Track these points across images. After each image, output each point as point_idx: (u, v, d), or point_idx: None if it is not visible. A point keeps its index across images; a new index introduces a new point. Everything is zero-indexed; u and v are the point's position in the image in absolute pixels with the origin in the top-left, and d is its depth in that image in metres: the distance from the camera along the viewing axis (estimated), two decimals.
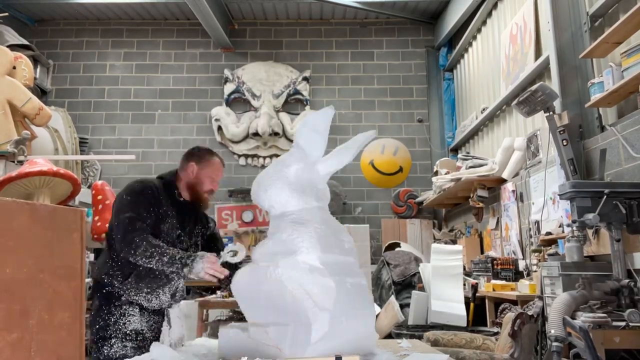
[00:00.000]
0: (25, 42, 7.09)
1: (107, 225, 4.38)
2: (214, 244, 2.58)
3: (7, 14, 6.91)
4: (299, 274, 1.60)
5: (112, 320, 2.19)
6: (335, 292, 1.58)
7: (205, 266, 2.00)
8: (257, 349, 1.58)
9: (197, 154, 2.46)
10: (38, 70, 7.36)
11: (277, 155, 7.68)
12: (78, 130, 7.48)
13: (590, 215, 2.82)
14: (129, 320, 2.22)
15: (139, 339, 2.23)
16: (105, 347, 2.16)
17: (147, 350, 1.96)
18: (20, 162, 4.73)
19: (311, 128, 1.82)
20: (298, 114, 7.77)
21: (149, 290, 2.25)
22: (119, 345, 2.16)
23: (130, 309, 2.23)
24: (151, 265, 2.11)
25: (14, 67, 5.50)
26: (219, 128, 7.71)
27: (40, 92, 7.38)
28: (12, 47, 6.30)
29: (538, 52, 4.79)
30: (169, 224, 2.30)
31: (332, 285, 1.58)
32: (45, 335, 1.46)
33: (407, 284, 5.44)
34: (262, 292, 1.64)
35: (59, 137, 6.59)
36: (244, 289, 1.73)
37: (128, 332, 2.20)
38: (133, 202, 2.21)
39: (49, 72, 7.83)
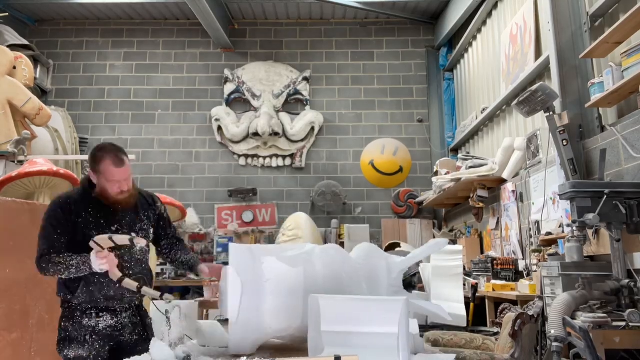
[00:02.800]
0: (25, 42, 7.10)
1: None
2: (163, 224, 2.57)
3: (7, 14, 6.92)
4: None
5: (82, 330, 2.25)
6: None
7: (98, 262, 2.13)
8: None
9: (92, 159, 2.27)
10: (38, 70, 7.36)
11: (277, 156, 7.69)
12: (78, 130, 7.49)
13: (590, 215, 2.82)
14: (96, 323, 2.27)
15: (109, 338, 2.28)
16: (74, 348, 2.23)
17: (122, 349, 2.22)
18: (21, 162, 4.73)
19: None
20: (298, 114, 7.77)
21: (100, 293, 2.27)
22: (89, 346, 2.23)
23: (94, 314, 2.28)
24: (71, 276, 2.19)
25: (14, 67, 5.50)
26: (219, 128, 7.71)
27: (41, 92, 7.38)
28: (13, 47, 6.31)
29: (538, 52, 4.79)
30: (95, 228, 2.27)
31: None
32: (45, 335, 1.47)
33: (407, 284, 5.43)
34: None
35: (59, 137, 6.59)
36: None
37: (98, 332, 2.26)
38: (45, 226, 2.25)
39: (49, 72, 7.84)
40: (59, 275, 2.20)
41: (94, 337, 2.23)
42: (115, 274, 2.19)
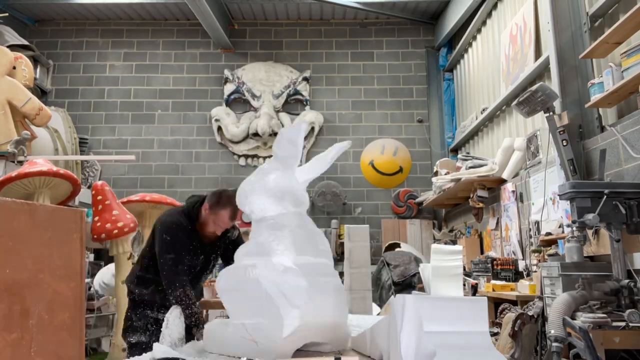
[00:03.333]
0: (25, 42, 7.10)
1: (107, 225, 4.39)
2: (233, 249, 2.73)
3: (7, 14, 6.92)
4: (274, 274, 1.73)
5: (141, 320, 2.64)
6: (306, 291, 1.70)
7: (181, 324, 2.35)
8: (237, 342, 1.72)
9: (216, 200, 2.60)
10: (38, 70, 7.36)
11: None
12: (78, 131, 7.49)
13: (590, 216, 2.82)
14: (156, 315, 2.63)
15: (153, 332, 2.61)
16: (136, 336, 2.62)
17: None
18: (20, 162, 4.73)
19: (287, 140, 1.98)
20: (298, 114, 7.77)
21: (162, 294, 2.62)
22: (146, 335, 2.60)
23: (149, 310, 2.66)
24: (180, 309, 2.43)
25: (14, 67, 5.51)
26: (219, 128, 7.71)
27: (40, 92, 7.38)
28: (12, 47, 6.31)
29: (538, 52, 4.79)
30: (194, 257, 2.66)
31: (304, 285, 1.71)
32: (45, 335, 1.46)
33: (407, 284, 5.44)
34: (241, 290, 1.78)
35: (59, 137, 6.59)
36: (226, 288, 1.86)
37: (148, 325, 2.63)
38: (172, 242, 2.55)
39: (49, 72, 7.84)
40: (173, 301, 2.43)
41: (154, 326, 2.61)
42: None
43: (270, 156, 7.63)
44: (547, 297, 3.11)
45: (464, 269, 5.16)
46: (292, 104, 7.86)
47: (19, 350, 1.34)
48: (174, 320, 2.37)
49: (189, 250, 2.61)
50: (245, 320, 1.72)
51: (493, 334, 3.59)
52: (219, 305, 4.76)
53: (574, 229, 3.08)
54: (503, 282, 4.34)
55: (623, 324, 2.53)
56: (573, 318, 2.58)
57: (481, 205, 5.65)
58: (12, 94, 5.24)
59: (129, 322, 2.67)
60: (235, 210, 2.57)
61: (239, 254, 1.90)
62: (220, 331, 1.85)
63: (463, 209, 6.59)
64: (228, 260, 2.77)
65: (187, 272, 2.59)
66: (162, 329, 2.32)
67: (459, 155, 6.43)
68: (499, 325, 3.74)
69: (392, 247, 6.79)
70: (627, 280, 2.75)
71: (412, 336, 1.42)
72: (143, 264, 2.73)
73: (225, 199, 2.60)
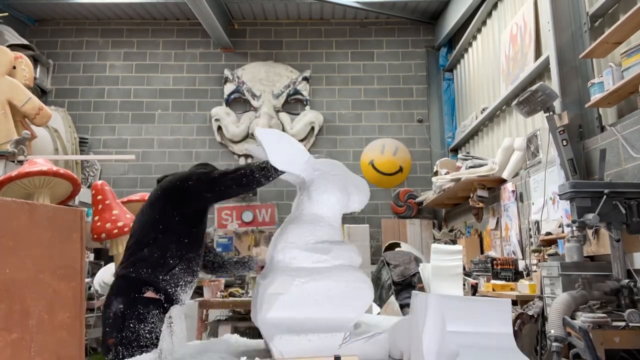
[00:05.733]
0: (25, 42, 7.10)
1: (107, 224, 4.39)
2: None
3: (7, 14, 6.92)
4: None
5: (141, 327, 2.26)
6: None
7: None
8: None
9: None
10: (38, 70, 7.36)
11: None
12: (78, 130, 7.49)
13: (590, 216, 2.82)
14: (156, 326, 2.28)
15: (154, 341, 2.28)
16: (136, 352, 2.21)
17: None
18: (20, 162, 4.73)
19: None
20: (298, 114, 7.77)
21: (185, 283, 2.37)
22: (147, 350, 2.22)
23: (156, 314, 2.29)
24: (263, 181, 2.21)
25: (14, 67, 5.51)
26: (219, 128, 7.71)
27: (40, 92, 7.38)
28: (12, 47, 6.31)
29: (538, 52, 4.79)
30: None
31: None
32: (45, 335, 1.46)
33: (407, 284, 5.44)
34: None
35: (59, 137, 6.59)
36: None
37: (155, 337, 2.27)
38: (204, 170, 2.43)
39: (49, 72, 7.84)
40: (261, 177, 2.19)
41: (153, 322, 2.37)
42: None
43: None
44: (547, 297, 3.11)
45: (464, 269, 5.16)
46: (292, 103, 7.85)
47: (19, 350, 1.34)
48: (174, 319, 2.35)
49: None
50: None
51: None
52: (219, 305, 4.77)
53: (574, 228, 3.08)
54: (503, 282, 4.34)
55: (623, 323, 2.53)
56: (573, 318, 2.58)
57: (481, 205, 5.65)
58: (12, 94, 5.24)
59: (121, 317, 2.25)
60: None
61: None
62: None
63: (463, 209, 6.59)
64: None
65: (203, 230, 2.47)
66: (163, 329, 2.31)
67: (459, 155, 6.42)
68: None
69: (392, 246, 6.78)
70: (627, 280, 2.75)
71: (434, 335, 1.42)
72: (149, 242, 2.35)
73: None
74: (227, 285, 5.26)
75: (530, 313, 3.22)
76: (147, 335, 2.27)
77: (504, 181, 5.12)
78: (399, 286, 5.47)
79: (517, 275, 4.43)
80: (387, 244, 6.98)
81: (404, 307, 4.98)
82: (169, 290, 2.33)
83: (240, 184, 2.23)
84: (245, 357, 1.50)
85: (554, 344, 2.47)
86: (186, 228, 2.39)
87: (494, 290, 4.25)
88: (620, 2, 3.58)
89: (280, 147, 2.04)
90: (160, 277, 2.31)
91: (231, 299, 4.74)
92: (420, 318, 1.45)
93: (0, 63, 5.29)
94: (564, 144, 3.50)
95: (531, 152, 4.51)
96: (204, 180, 2.32)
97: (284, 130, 7.64)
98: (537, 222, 4.26)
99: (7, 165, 4.68)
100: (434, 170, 6.67)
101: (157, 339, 2.27)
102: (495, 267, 4.59)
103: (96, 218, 4.43)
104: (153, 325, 2.28)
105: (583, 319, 2.55)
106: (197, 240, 2.43)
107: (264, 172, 2.18)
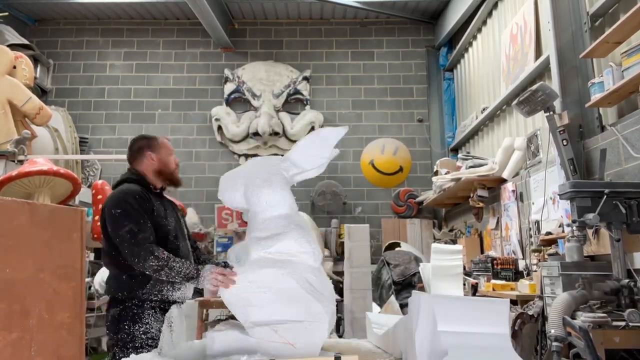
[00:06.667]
0: (25, 41, 7.10)
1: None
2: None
3: (7, 13, 6.92)
4: (307, 273, 1.72)
5: (135, 328, 2.25)
6: (331, 288, 1.76)
7: (211, 277, 1.95)
8: (265, 348, 1.64)
9: (146, 144, 2.51)
10: (38, 69, 7.36)
11: (277, 155, 7.68)
12: (78, 130, 7.49)
13: (590, 215, 2.82)
14: (151, 326, 2.27)
15: (157, 343, 2.28)
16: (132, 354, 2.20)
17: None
18: (21, 162, 4.73)
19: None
20: (298, 114, 7.77)
21: (172, 284, 2.31)
22: (143, 351, 2.19)
23: (152, 314, 2.28)
24: (161, 278, 2.15)
25: (15, 67, 5.51)
26: (219, 128, 7.71)
27: (41, 92, 7.38)
28: (13, 46, 6.31)
29: (538, 52, 4.79)
30: (164, 217, 2.38)
31: (329, 282, 1.74)
32: (45, 335, 1.47)
33: (407, 284, 5.44)
34: (263, 290, 1.71)
35: (59, 137, 6.59)
36: (237, 291, 1.78)
37: (150, 337, 2.26)
38: (125, 214, 2.23)
39: (49, 71, 7.84)
40: (153, 273, 2.12)
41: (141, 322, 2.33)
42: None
43: (273, 154, 7.66)
44: (547, 296, 3.11)
45: (464, 269, 5.16)
46: (293, 103, 7.85)
47: (19, 350, 1.34)
48: (174, 319, 2.36)
49: (149, 216, 2.29)
50: (274, 322, 1.66)
51: None
52: (219, 305, 4.76)
53: (574, 228, 3.08)
54: (503, 282, 4.34)
55: (623, 323, 2.53)
56: (573, 318, 2.58)
57: (481, 204, 5.65)
58: (13, 94, 5.24)
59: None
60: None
61: (250, 252, 1.81)
62: (236, 339, 1.71)
63: (463, 209, 6.58)
64: None
65: (156, 241, 2.24)
66: (162, 329, 2.31)
67: (459, 155, 6.42)
68: None
69: (392, 246, 6.79)
70: (627, 280, 2.75)
71: (426, 335, 1.43)
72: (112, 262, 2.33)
73: (148, 136, 2.58)
74: None
75: (530, 313, 3.22)
76: (142, 336, 2.26)
77: (504, 181, 5.12)
78: (399, 286, 5.48)
79: (517, 275, 4.43)
80: (387, 244, 6.99)
81: (404, 306, 4.98)
82: (155, 299, 2.29)
83: (151, 273, 2.13)
84: (245, 357, 1.50)
85: (554, 343, 2.47)
86: None
87: (494, 290, 4.25)
88: (621, 1, 3.58)
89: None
90: (139, 293, 2.27)
91: None
92: (413, 318, 1.46)
93: (1, 63, 5.29)
94: (564, 143, 3.50)
95: (531, 151, 4.51)
96: (128, 243, 2.16)
97: (284, 130, 7.64)
98: (537, 222, 4.26)
99: (7, 165, 4.68)
100: (434, 170, 6.67)
101: (153, 339, 2.26)
102: (495, 266, 4.59)
103: (96, 218, 4.43)
104: (148, 326, 2.27)
105: (583, 318, 2.55)
106: (160, 245, 2.25)
107: (175, 270, 2.08)
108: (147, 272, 2.15)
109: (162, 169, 2.46)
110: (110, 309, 2.33)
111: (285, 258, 1.74)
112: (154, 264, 2.10)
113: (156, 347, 2.24)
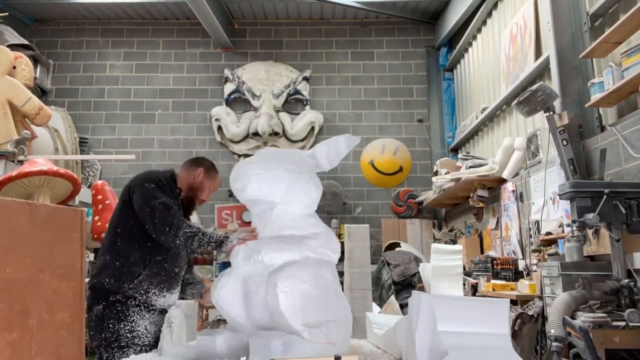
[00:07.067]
0: (25, 41, 7.10)
1: (107, 225, 4.38)
2: None
3: (7, 13, 6.91)
4: (334, 272, 1.82)
5: (120, 327, 2.22)
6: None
7: (242, 236, 1.95)
8: (313, 351, 1.60)
9: (207, 165, 2.62)
10: (38, 70, 7.36)
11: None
12: (78, 130, 7.48)
13: (590, 215, 2.82)
14: (137, 324, 2.24)
15: (143, 342, 2.24)
16: (117, 354, 2.18)
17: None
18: (21, 162, 4.73)
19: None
20: (298, 114, 7.77)
21: (160, 288, 2.31)
22: (129, 351, 2.19)
23: (137, 311, 2.26)
24: (189, 247, 2.20)
25: (14, 67, 5.50)
26: (219, 128, 7.71)
27: (40, 92, 7.38)
28: (13, 46, 6.31)
29: (538, 52, 4.79)
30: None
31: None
32: (45, 335, 1.46)
33: (407, 284, 5.44)
34: (317, 289, 1.72)
35: (59, 137, 6.59)
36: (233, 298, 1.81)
37: (135, 336, 2.24)
38: (160, 189, 2.31)
39: (49, 71, 7.84)
40: (185, 240, 2.12)
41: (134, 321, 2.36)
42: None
43: None
44: (547, 296, 3.11)
45: (464, 269, 5.16)
46: (292, 103, 7.85)
47: (19, 350, 1.34)
48: (174, 319, 2.35)
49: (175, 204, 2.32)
50: (314, 323, 1.62)
51: None
52: None
53: (574, 228, 3.09)
54: (503, 282, 4.34)
55: (623, 323, 2.53)
56: (573, 318, 2.58)
57: (481, 204, 5.65)
58: (12, 94, 5.24)
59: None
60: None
61: (283, 251, 1.78)
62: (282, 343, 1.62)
63: (463, 209, 6.58)
64: None
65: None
66: (162, 328, 2.31)
67: (459, 155, 6.42)
68: None
69: (392, 246, 6.78)
70: (627, 280, 2.75)
71: (426, 335, 1.43)
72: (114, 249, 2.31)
73: (213, 165, 2.65)
74: None
75: (530, 313, 3.22)
76: (128, 334, 2.23)
77: (504, 181, 5.12)
78: (399, 286, 5.47)
79: (517, 275, 4.43)
80: (387, 244, 6.99)
81: (404, 306, 4.98)
82: (139, 297, 2.26)
83: (183, 242, 2.14)
84: (245, 357, 1.50)
85: (554, 343, 2.47)
86: (145, 231, 2.28)
87: (494, 290, 4.25)
88: (620, 1, 3.58)
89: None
90: (126, 285, 2.24)
91: None
92: (413, 318, 1.45)
93: (0, 63, 5.29)
94: (564, 143, 3.50)
95: (531, 151, 4.51)
96: (158, 213, 2.19)
97: (284, 130, 7.64)
98: (537, 222, 4.26)
99: (7, 165, 4.68)
100: (434, 170, 6.67)
101: (139, 337, 2.24)
102: (495, 267, 4.60)
103: (96, 218, 4.43)
104: (134, 324, 2.24)
105: (583, 318, 2.55)
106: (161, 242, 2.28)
107: (206, 240, 2.10)
108: (177, 242, 2.15)
109: (194, 188, 2.54)
110: (93, 307, 2.27)
111: (322, 257, 1.79)
112: (187, 230, 2.14)
113: (143, 346, 2.23)
